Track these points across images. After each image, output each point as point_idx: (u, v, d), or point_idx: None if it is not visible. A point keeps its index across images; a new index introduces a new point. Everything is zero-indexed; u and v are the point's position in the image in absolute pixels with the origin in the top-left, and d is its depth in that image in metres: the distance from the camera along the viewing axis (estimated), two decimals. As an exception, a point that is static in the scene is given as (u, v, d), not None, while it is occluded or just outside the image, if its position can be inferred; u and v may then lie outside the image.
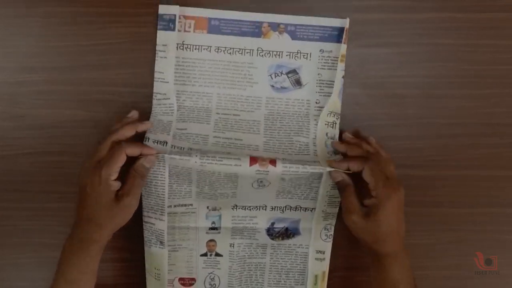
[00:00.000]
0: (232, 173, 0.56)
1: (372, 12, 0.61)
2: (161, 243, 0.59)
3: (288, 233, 0.62)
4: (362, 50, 0.61)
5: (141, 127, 0.56)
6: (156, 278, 0.60)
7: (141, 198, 0.57)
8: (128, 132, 0.55)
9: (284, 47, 0.60)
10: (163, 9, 0.59)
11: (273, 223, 0.62)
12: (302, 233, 0.62)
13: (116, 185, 0.53)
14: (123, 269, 0.64)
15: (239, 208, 0.61)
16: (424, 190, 0.64)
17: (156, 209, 0.58)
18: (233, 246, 0.62)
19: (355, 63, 0.62)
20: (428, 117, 0.63)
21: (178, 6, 0.58)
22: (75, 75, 0.61)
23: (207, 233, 0.62)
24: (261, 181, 0.57)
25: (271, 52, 0.60)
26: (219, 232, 0.62)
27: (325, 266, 0.63)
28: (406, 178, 0.63)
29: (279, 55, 0.61)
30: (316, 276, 0.63)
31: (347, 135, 0.60)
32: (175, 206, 0.60)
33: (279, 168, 0.55)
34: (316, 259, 0.62)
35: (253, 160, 0.55)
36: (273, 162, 0.55)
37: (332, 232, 0.62)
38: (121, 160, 0.52)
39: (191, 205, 0.61)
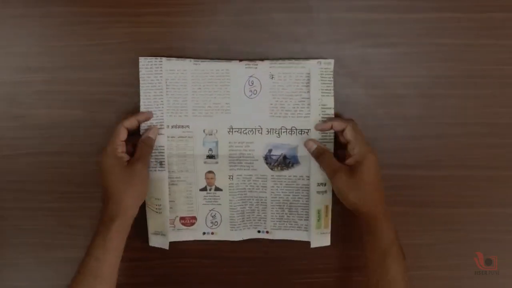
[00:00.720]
0: (224, 70, 0.60)
1: (372, 12, 0.61)
2: (161, 164, 0.60)
3: (287, 162, 0.62)
4: (362, 50, 0.61)
5: (141, 116, 0.60)
6: (157, 211, 0.61)
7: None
8: (130, 122, 0.58)
9: None
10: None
11: (270, 150, 0.62)
12: (301, 161, 0.62)
13: (125, 156, 0.57)
14: (128, 269, 0.64)
15: (235, 131, 0.61)
16: (424, 190, 0.64)
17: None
18: (232, 178, 0.62)
19: (355, 63, 0.62)
20: (428, 117, 0.63)
21: None
22: (75, 75, 0.61)
23: (205, 162, 0.62)
24: (252, 83, 0.60)
25: None
26: (216, 162, 0.62)
27: (328, 200, 0.62)
28: (406, 178, 0.63)
29: None
30: (319, 211, 0.62)
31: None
32: (172, 126, 0.61)
33: (266, 63, 0.60)
34: (318, 192, 0.62)
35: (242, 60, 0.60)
36: (261, 60, 0.60)
37: None
38: (122, 134, 0.57)
39: (188, 126, 0.61)
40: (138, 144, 0.59)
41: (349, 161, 0.57)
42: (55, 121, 0.62)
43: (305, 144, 0.60)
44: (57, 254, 0.64)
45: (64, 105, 0.62)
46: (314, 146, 0.60)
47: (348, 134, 0.57)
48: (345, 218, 0.63)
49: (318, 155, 0.59)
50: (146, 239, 0.62)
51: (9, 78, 0.61)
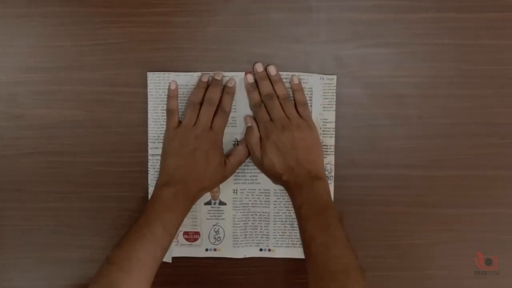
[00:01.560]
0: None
1: (372, 12, 0.61)
2: None
3: None
4: (362, 50, 0.61)
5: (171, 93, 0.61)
6: None
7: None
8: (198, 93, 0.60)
9: None
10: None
11: None
12: None
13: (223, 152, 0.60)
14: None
15: (240, 144, 0.62)
16: (424, 190, 0.64)
17: (162, 138, 0.61)
18: (236, 193, 0.63)
19: (355, 63, 0.62)
20: (428, 117, 0.63)
21: None
22: (75, 75, 0.61)
23: None
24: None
25: None
26: None
27: None
28: (406, 178, 0.63)
29: None
30: None
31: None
32: None
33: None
34: None
35: (248, 72, 0.61)
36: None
37: (332, 174, 0.62)
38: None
39: None
40: (239, 148, 0.61)
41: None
42: (55, 121, 0.62)
43: (244, 118, 0.62)
44: (57, 254, 0.64)
45: (64, 105, 0.62)
46: (249, 123, 0.61)
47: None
48: (344, 218, 0.63)
49: (247, 133, 0.61)
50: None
51: (9, 78, 0.61)
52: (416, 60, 0.62)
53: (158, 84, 0.61)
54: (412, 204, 0.64)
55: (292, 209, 0.62)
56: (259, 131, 0.60)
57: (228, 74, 0.61)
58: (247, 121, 0.61)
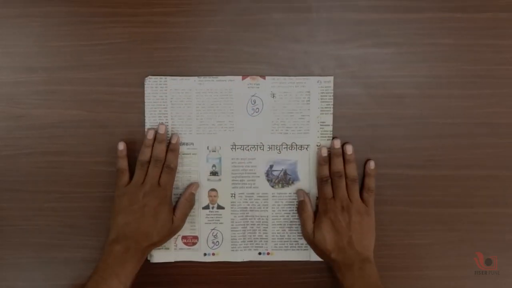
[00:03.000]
0: (227, 90, 0.62)
1: (372, 12, 0.61)
2: None
3: (288, 178, 0.63)
4: (362, 50, 0.61)
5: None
6: None
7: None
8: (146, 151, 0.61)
9: None
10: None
11: (271, 166, 0.63)
12: (301, 178, 0.63)
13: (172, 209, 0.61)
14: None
15: (237, 148, 0.62)
16: (424, 190, 0.64)
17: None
18: (234, 197, 0.63)
19: (355, 63, 0.62)
20: (428, 117, 0.63)
21: None
22: (75, 75, 0.61)
23: (208, 179, 0.63)
24: (255, 101, 0.62)
25: None
26: (220, 179, 0.63)
27: None
28: (406, 178, 0.63)
29: None
30: None
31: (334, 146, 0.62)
32: None
33: (269, 80, 0.61)
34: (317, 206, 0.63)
35: (245, 76, 0.62)
36: (263, 77, 0.61)
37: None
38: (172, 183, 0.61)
39: (192, 144, 0.62)
40: (181, 201, 0.61)
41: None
42: (55, 121, 0.62)
43: (296, 192, 0.63)
44: (57, 254, 0.64)
45: (64, 105, 0.62)
46: (301, 198, 0.62)
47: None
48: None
49: (299, 208, 0.62)
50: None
51: (9, 78, 0.61)
52: (416, 60, 0.62)
53: (155, 89, 0.61)
54: (412, 204, 0.64)
55: (291, 212, 0.63)
56: (311, 205, 0.62)
57: (226, 78, 0.61)
58: (300, 195, 0.62)
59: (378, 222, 0.62)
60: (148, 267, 0.63)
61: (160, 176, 0.60)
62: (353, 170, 0.61)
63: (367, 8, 0.61)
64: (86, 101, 0.62)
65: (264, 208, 0.63)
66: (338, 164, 0.60)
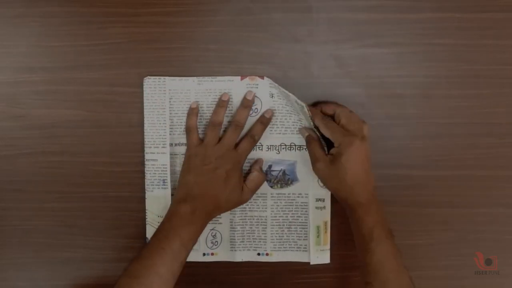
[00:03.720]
0: (226, 90, 0.61)
1: (372, 12, 0.61)
2: (164, 182, 0.61)
3: (286, 178, 0.63)
4: (362, 50, 0.61)
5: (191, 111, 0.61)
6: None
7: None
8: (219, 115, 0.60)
9: None
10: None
11: (270, 166, 0.63)
12: (300, 178, 0.63)
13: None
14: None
15: None
16: (424, 190, 0.64)
17: (159, 142, 0.61)
18: None
19: (355, 63, 0.62)
20: (428, 117, 0.63)
21: None
22: (75, 75, 0.61)
23: None
24: (253, 103, 0.61)
25: None
26: None
27: (326, 215, 0.63)
28: (406, 178, 0.63)
29: None
30: (318, 228, 0.63)
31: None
32: (175, 144, 0.62)
33: (266, 80, 0.61)
34: (317, 208, 0.63)
35: (244, 76, 0.61)
36: (261, 77, 0.61)
37: None
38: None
39: None
40: (254, 174, 0.60)
41: (332, 150, 0.57)
42: (55, 121, 0.62)
43: (299, 131, 0.62)
44: (57, 254, 0.64)
45: (64, 105, 0.62)
46: (306, 134, 0.61)
47: (337, 120, 0.58)
48: (345, 218, 0.63)
49: (307, 143, 0.60)
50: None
51: (9, 78, 0.61)
52: (416, 60, 0.62)
53: (154, 89, 0.61)
54: (412, 204, 0.64)
55: (290, 212, 0.63)
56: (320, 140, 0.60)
57: (224, 78, 0.61)
58: (303, 132, 0.61)
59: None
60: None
61: (239, 142, 0.59)
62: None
63: (367, 8, 0.61)
64: (86, 101, 0.62)
65: (263, 208, 0.63)
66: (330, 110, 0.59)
